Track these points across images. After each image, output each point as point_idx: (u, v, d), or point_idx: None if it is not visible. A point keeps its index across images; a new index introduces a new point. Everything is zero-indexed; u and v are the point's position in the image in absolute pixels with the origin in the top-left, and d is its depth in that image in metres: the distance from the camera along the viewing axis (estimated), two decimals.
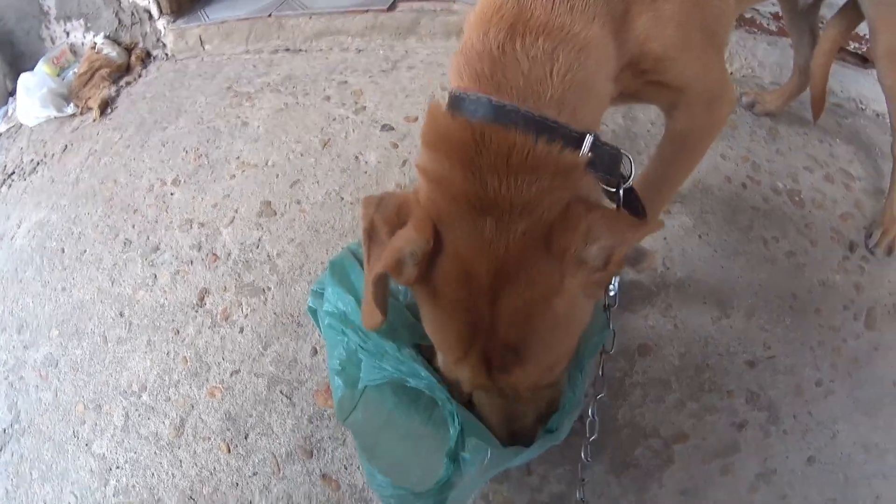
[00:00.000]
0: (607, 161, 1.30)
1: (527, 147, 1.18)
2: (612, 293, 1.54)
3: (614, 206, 1.39)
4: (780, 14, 2.79)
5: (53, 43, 4.07)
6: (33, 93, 3.56)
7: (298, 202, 2.63)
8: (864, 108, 2.86)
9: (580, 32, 1.26)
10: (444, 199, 1.24)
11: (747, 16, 2.93)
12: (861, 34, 2.65)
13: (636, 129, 2.72)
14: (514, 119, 1.19)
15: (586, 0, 1.27)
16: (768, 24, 2.96)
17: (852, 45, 2.75)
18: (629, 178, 1.37)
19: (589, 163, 1.25)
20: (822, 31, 2.36)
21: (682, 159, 1.77)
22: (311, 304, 1.87)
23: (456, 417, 1.47)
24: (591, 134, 1.24)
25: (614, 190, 1.38)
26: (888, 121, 2.29)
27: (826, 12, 2.47)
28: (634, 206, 1.41)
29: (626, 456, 1.91)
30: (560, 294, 1.23)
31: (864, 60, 2.77)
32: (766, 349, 2.07)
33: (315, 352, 2.16)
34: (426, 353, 1.62)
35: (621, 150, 1.34)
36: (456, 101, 1.24)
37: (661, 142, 1.77)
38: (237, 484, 1.96)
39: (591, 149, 1.24)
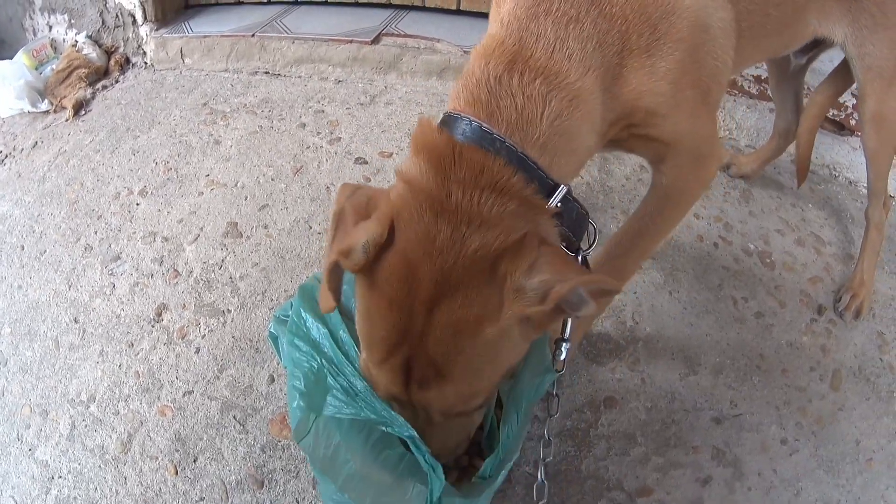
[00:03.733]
0: (573, 219, 1.34)
1: (501, 174, 1.23)
2: (564, 342, 1.56)
3: None
4: (764, 77, 2.86)
5: (35, 34, 4.05)
6: (9, 82, 3.54)
7: (265, 226, 2.62)
8: (836, 175, 2.93)
9: (575, 82, 1.30)
10: (409, 198, 1.25)
11: None
12: (841, 101, 2.73)
13: (611, 182, 2.76)
14: (497, 147, 1.23)
15: (584, 51, 1.32)
16: (749, 87, 3.03)
17: (831, 112, 2.81)
18: (590, 246, 1.42)
19: (555, 214, 1.30)
20: (810, 96, 2.41)
21: (665, 215, 1.78)
22: (272, 330, 1.85)
23: (436, 471, 1.45)
24: (564, 186, 1.28)
25: (573, 254, 1.41)
26: (862, 187, 2.39)
27: (810, 78, 2.54)
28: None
29: None
30: (493, 321, 1.22)
31: (841, 127, 2.85)
32: (733, 407, 2.09)
33: (272, 380, 2.14)
34: None
35: (588, 216, 1.37)
36: (448, 120, 1.30)
37: (646, 197, 1.78)
38: None
39: (562, 201, 1.29)
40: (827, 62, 2.34)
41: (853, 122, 2.83)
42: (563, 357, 1.58)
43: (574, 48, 1.31)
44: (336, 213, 1.34)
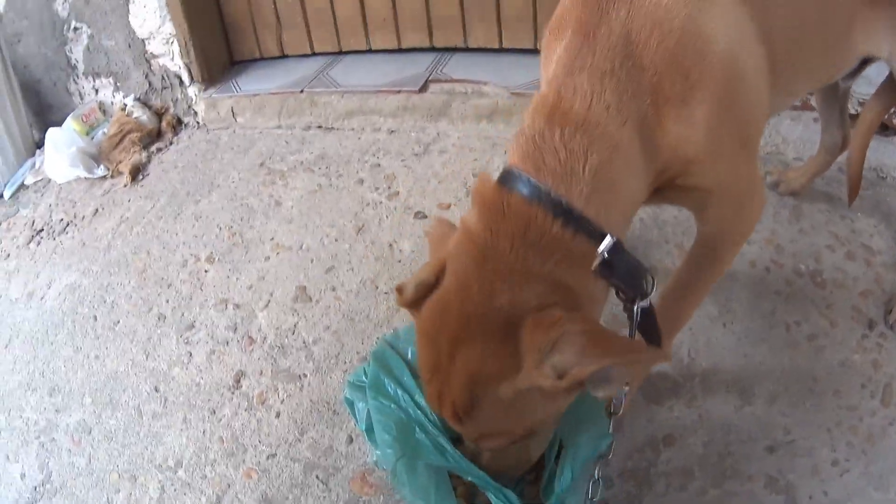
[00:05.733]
0: (625, 271, 1.32)
1: (545, 226, 1.25)
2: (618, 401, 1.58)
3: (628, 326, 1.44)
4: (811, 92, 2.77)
5: (82, 98, 4.13)
6: (62, 150, 3.62)
7: (333, 289, 2.68)
8: (884, 176, 2.85)
9: (614, 133, 1.31)
10: (461, 246, 1.31)
11: None
12: None
13: (664, 216, 2.76)
14: (544, 200, 1.25)
15: (620, 102, 1.32)
16: None
17: None
18: (647, 295, 1.40)
19: (605, 266, 1.28)
20: (861, 111, 2.37)
21: (712, 262, 1.80)
22: (347, 395, 1.94)
23: None
24: (612, 237, 1.27)
25: (631, 305, 1.41)
26: None
27: (855, 86, 2.49)
28: (651, 330, 1.46)
29: None
30: (509, 381, 1.25)
31: (885, 128, 2.78)
32: (786, 434, 2.07)
33: (351, 440, 2.19)
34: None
35: (645, 267, 1.37)
36: (503, 174, 1.33)
37: (692, 247, 1.81)
38: None
39: (610, 252, 1.27)
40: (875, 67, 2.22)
41: None
42: (610, 433, 1.63)
43: (611, 100, 1.32)
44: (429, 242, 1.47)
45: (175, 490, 2.17)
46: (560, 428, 1.74)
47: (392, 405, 1.75)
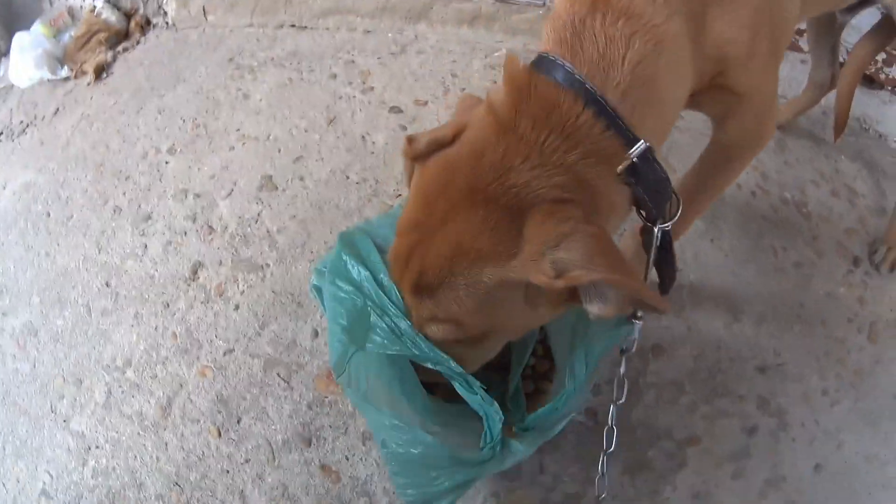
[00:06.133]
0: (653, 182, 1.23)
1: (573, 114, 1.16)
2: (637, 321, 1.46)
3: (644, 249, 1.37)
4: (801, 29, 2.80)
5: (52, 5, 3.96)
6: (27, 52, 3.44)
7: (301, 178, 2.53)
8: (867, 128, 2.90)
9: (659, 25, 1.21)
10: (483, 116, 1.23)
11: None
12: None
13: None
14: (575, 87, 1.16)
15: None
16: None
17: None
18: (671, 219, 1.33)
19: (632, 172, 1.20)
20: (850, 52, 2.37)
21: (725, 170, 1.72)
22: (314, 283, 1.75)
23: (494, 407, 1.41)
24: (645, 142, 1.18)
25: (650, 225, 1.33)
26: (892, 141, 2.51)
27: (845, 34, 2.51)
28: (665, 262, 1.40)
29: (641, 457, 1.90)
30: (497, 265, 1.17)
31: (871, 81, 2.81)
32: (776, 356, 2.08)
33: (316, 334, 2.06)
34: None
35: (670, 183, 1.27)
36: (537, 59, 1.24)
37: (703, 154, 1.72)
38: (228, 471, 1.86)
39: (640, 158, 1.19)
40: (865, 16, 2.29)
41: (883, 77, 2.80)
42: (634, 336, 1.49)
43: None
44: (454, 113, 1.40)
45: (122, 392, 2.04)
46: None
47: (350, 289, 1.55)
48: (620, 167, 1.18)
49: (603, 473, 1.55)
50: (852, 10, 2.16)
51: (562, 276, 1.10)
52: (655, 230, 1.32)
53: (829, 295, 2.24)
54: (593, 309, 1.17)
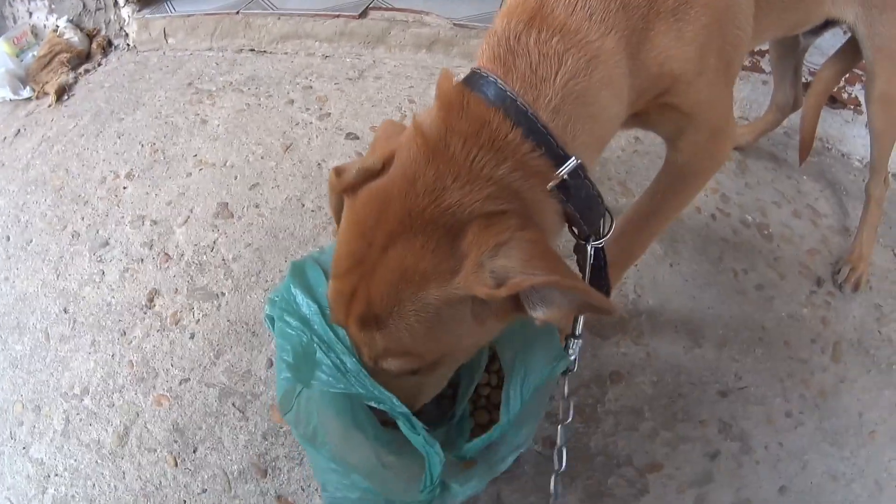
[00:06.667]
0: (583, 200, 1.24)
1: (502, 130, 1.16)
2: (575, 339, 1.50)
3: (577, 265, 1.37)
4: (756, 50, 2.86)
5: (15, 22, 3.95)
6: None
7: (257, 206, 2.55)
8: (829, 147, 2.93)
9: (594, 41, 1.22)
10: (412, 138, 1.21)
11: None
12: None
13: (606, 153, 2.68)
14: (506, 103, 1.17)
15: (607, 10, 1.24)
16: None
17: None
18: (603, 235, 1.34)
19: (562, 189, 1.21)
20: (816, 73, 2.40)
21: (678, 194, 1.74)
22: (268, 312, 1.76)
23: (435, 448, 1.42)
24: (576, 159, 1.19)
25: (582, 241, 1.35)
26: (855, 160, 2.54)
27: (809, 55, 2.54)
28: (599, 278, 1.38)
29: (600, 485, 1.88)
30: (440, 284, 1.17)
31: (833, 100, 2.83)
32: (738, 379, 2.09)
33: (271, 364, 2.08)
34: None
35: (602, 200, 1.28)
36: (469, 75, 1.25)
37: (659, 175, 1.74)
38: (185, 501, 1.86)
39: (571, 175, 1.19)
40: (828, 38, 2.33)
41: (845, 96, 2.84)
42: (573, 356, 1.52)
43: (596, 7, 1.23)
44: (372, 143, 1.40)
45: (81, 420, 2.04)
46: (505, 352, 1.65)
47: (297, 324, 1.57)
48: (550, 184, 1.20)
49: (557, 495, 1.57)
50: (816, 32, 2.19)
51: (503, 284, 1.11)
52: (588, 247, 1.34)
53: (791, 316, 2.26)
54: (538, 314, 1.18)
